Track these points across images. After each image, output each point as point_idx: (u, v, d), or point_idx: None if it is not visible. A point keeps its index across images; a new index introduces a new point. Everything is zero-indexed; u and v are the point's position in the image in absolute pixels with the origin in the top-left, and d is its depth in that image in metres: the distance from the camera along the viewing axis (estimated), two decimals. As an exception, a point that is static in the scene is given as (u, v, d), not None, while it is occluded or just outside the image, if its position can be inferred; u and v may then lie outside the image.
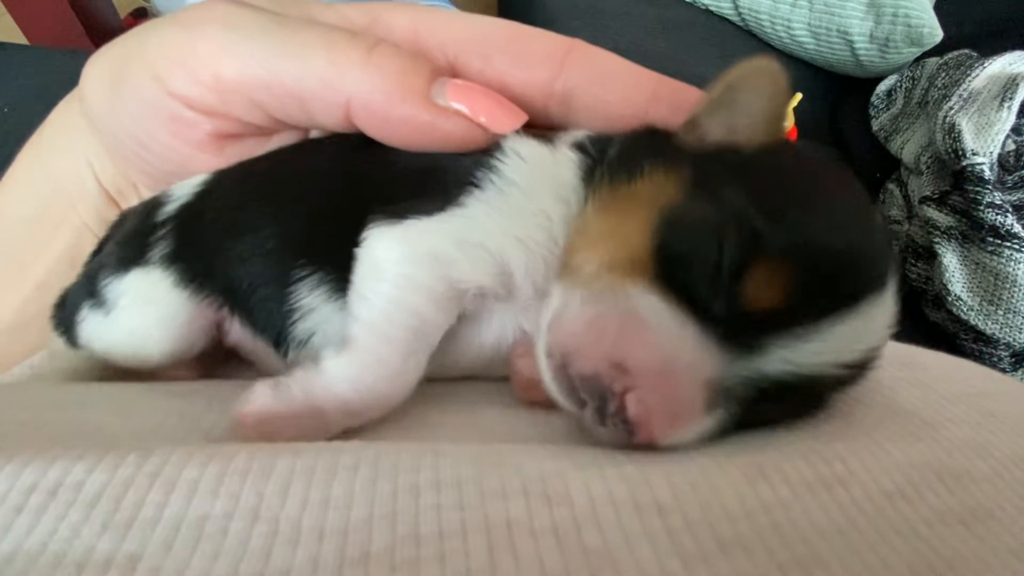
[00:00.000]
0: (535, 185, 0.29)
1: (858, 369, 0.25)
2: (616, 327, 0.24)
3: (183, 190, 0.34)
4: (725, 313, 0.23)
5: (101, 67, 0.34)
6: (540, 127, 0.33)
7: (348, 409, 0.26)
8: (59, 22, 1.05)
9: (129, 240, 0.34)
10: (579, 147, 0.31)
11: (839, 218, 0.25)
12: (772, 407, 0.24)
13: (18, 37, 1.14)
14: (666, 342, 0.23)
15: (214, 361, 0.36)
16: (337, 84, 0.29)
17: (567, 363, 0.24)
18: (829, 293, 0.23)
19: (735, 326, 0.23)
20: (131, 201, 0.37)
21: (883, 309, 0.24)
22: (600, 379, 0.23)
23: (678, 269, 0.24)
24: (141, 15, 1.76)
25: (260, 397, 0.25)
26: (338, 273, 0.29)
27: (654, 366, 0.23)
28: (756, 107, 0.27)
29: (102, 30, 1.12)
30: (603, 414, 0.23)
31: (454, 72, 0.32)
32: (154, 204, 0.35)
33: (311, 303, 0.30)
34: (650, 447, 0.23)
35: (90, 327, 0.33)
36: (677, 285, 0.24)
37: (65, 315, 0.34)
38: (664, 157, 0.27)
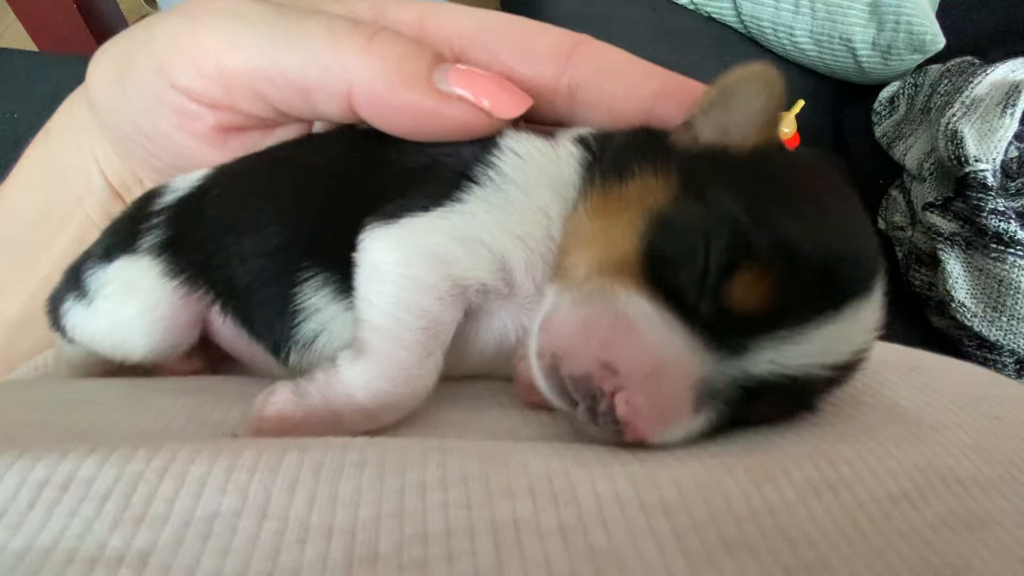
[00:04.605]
0: (533, 182, 0.29)
1: (844, 370, 0.25)
2: (605, 329, 0.24)
3: (183, 183, 0.34)
4: (712, 315, 0.23)
5: (108, 60, 0.34)
6: (546, 123, 0.33)
7: (366, 415, 0.26)
8: (68, 29, 1.06)
9: (118, 228, 0.34)
10: (581, 142, 0.31)
11: (826, 221, 0.25)
12: (761, 407, 0.25)
13: (28, 44, 1.15)
14: (654, 344, 0.23)
15: (219, 357, 0.36)
16: (338, 72, 0.29)
17: (558, 364, 0.25)
18: (813, 296, 0.23)
19: (722, 327, 0.23)
20: (136, 196, 0.37)
21: (868, 312, 0.25)
22: (590, 380, 0.24)
23: (666, 271, 0.24)
24: (148, 22, 1.77)
25: (280, 399, 0.25)
26: (343, 272, 0.29)
27: (642, 367, 0.23)
28: (750, 110, 0.27)
29: (111, 37, 1.12)
30: (594, 413, 0.24)
31: None
32: (151, 194, 0.34)
33: (317, 303, 0.30)
34: (641, 445, 0.23)
35: (74, 319, 0.33)
36: (665, 287, 0.24)
37: (53, 308, 0.34)
38: (654, 158, 0.27)
